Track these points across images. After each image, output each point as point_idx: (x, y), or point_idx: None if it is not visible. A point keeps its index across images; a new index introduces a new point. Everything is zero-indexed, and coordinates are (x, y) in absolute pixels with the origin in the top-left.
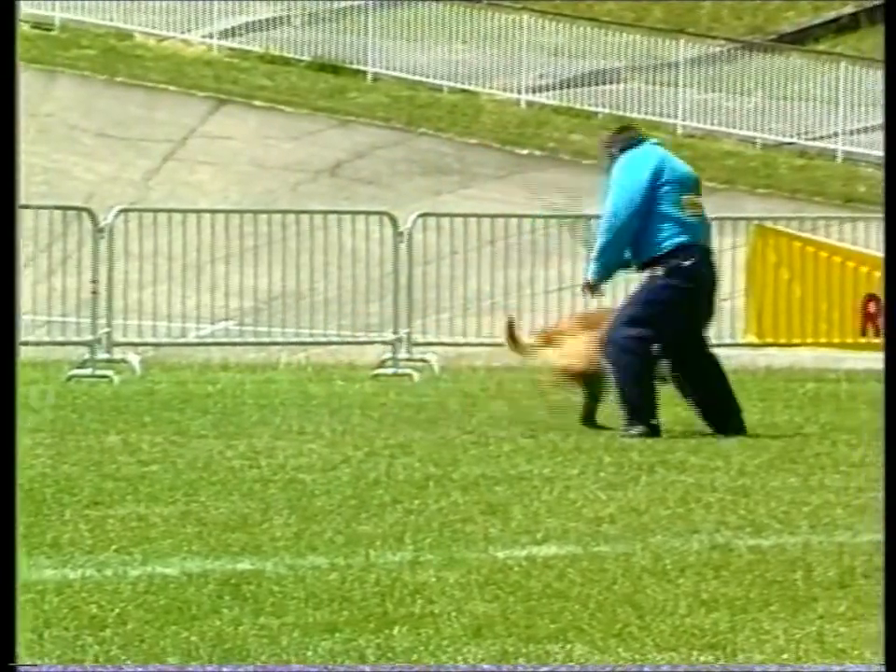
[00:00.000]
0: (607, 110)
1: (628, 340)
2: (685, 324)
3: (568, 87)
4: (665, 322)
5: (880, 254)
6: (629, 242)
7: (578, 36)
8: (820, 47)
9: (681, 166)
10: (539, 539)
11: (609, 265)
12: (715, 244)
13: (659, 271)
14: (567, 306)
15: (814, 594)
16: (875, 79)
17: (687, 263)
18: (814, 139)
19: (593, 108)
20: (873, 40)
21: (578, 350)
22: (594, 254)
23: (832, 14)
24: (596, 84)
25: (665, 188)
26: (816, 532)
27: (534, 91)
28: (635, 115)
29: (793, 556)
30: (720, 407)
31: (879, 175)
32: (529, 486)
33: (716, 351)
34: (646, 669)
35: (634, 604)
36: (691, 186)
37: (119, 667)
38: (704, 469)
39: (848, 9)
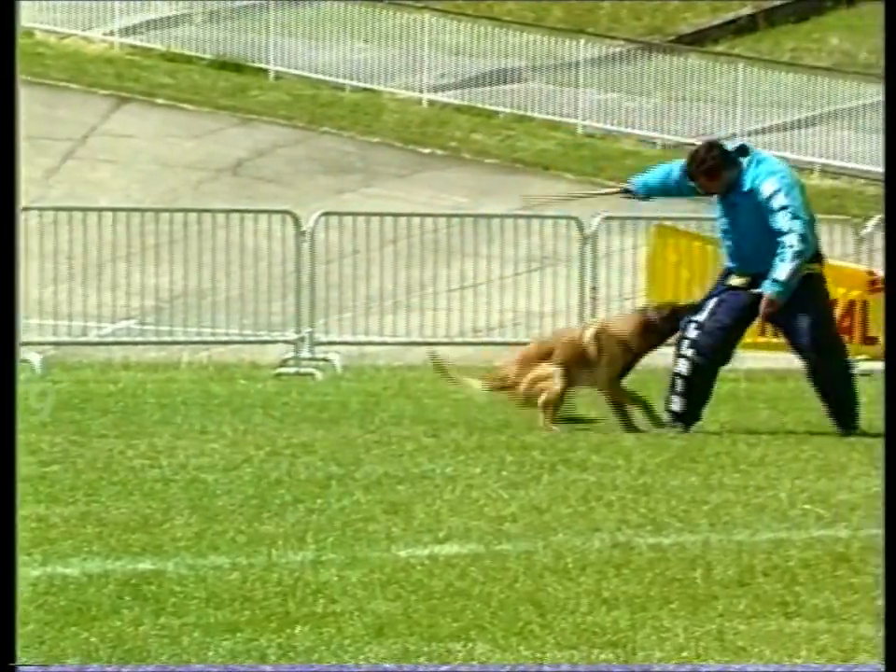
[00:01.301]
0: (508, 109)
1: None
2: None
3: (470, 86)
4: None
5: None
6: None
7: (479, 36)
8: (718, 48)
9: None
10: (442, 537)
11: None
12: (615, 244)
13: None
14: (469, 305)
15: (713, 592)
16: (772, 80)
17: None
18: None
19: (494, 108)
20: (770, 41)
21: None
22: (785, 275)
23: (730, 15)
24: (498, 83)
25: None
26: (715, 530)
27: (436, 91)
28: (536, 114)
29: (693, 554)
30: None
31: None
32: (431, 485)
33: None
34: (546, 668)
35: (535, 602)
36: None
37: (119, 667)
38: (605, 467)
39: (746, 11)
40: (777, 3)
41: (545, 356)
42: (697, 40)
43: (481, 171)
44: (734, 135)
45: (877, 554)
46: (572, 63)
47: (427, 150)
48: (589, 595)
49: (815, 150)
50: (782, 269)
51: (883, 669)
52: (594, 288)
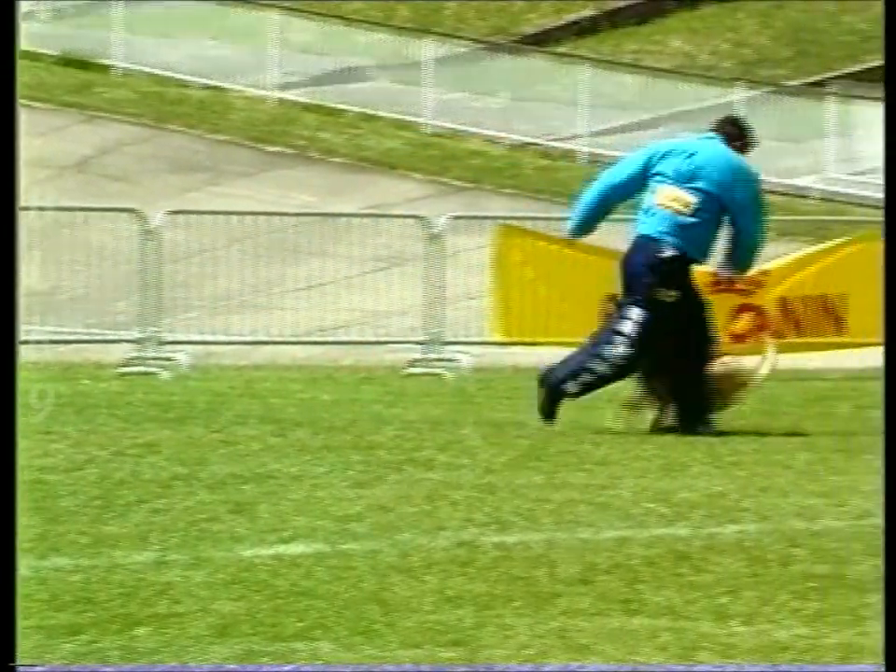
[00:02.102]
0: (355, 108)
1: None
2: None
3: (317, 84)
4: None
5: (622, 250)
6: None
7: (326, 34)
8: (562, 49)
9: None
10: (287, 537)
11: None
12: (462, 243)
13: None
14: (316, 304)
15: (557, 590)
16: (615, 82)
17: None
18: (557, 140)
19: (341, 106)
20: (612, 43)
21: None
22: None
23: (572, 17)
24: (345, 82)
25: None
26: (560, 529)
27: (283, 89)
28: (383, 113)
29: (537, 553)
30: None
31: None
32: (277, 485)
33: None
34: (389, 667)
35: (380, 601)
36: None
37: (120, 667)
38: (451, 466)
39: (588, 12)
40: (619, 5)
41: None
42: (541, 41)
43: (328, 170)
44: (578, 136)
45: (719, 553)
46: (419, 63)
47: (274, 149)
48: (434, 594)
49: None
50: None
51: (883, 669)
52: (440, 288)
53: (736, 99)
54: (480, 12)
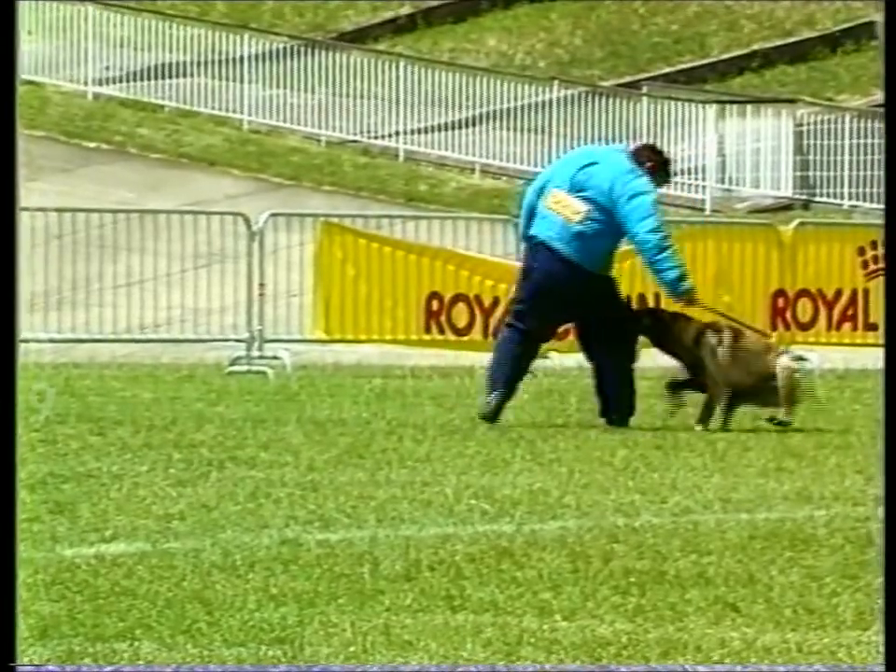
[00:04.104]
0: (174, 104)
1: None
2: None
3: (135, 80)
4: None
5: (443, 247)
6: None
7: (143, 29)
8: (379, 46)
9: (572, 165)
10: (108, 536)
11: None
12: (282, 240)
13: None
14: (136, 301)
15: (380, 587)
16: (433, 80)
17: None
18: (376, 137)
19: (159, 102)
20: (429, 41)
21: None
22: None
23: (389, 14)
24: (163, 77)
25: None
26: (383, 526)
27: (100, 83)
28: (202, 109)
29: (361, 550)
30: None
31: (439, 174)
32: (98, 484)
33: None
34: (212, 667)
35: (203, 600)
36: (567, 184)
37: (119, 667)
38: (273, 464)
39: (405, 10)
40: (435, 3)
41: None
42: (358, 38)
43: (146, 166)
44: (396, 133)
45: (541, 549)
46: (237, 59)
47: (92, 144)
48: (257, 592)
49: (475, 150)
50: None
51: (883, 669)
52: (261, 285)
53: (553, 98)
54: (297, 9)
